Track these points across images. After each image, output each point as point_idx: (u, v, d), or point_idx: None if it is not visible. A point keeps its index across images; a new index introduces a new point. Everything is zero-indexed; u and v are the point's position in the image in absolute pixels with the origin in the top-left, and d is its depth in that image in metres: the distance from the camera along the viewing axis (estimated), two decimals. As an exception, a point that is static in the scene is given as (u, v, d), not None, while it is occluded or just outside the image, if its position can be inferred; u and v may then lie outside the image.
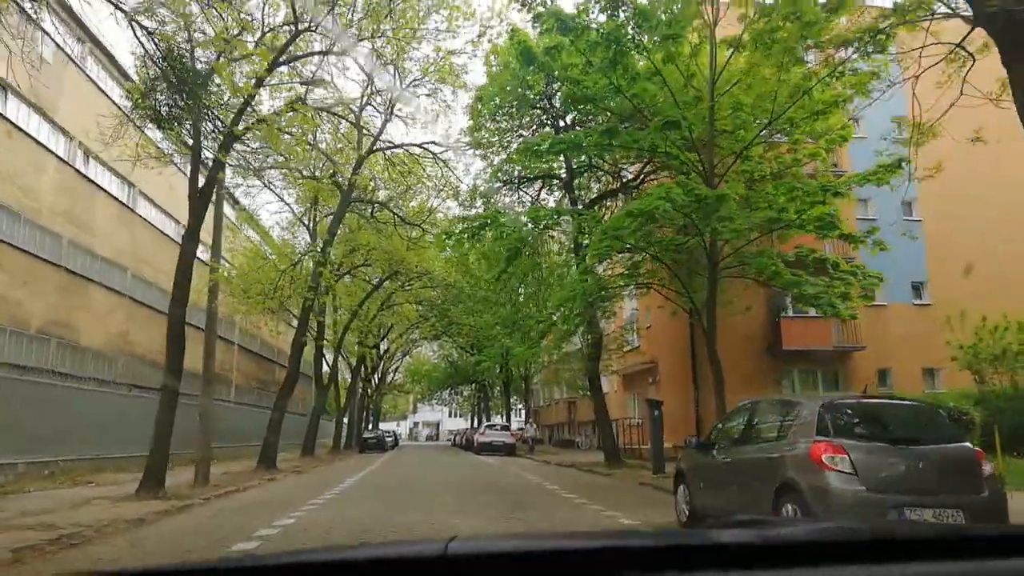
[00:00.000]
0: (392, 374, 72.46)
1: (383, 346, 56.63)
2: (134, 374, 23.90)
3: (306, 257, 22.25)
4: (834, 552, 1.25)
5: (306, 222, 28.44)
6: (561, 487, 15.38)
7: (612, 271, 20.92)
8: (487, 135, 23.17)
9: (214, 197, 13.88)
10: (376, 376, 64.02)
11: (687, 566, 1.18)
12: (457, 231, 18.72)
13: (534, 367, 38.27)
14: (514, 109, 22.18)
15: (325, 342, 29.99)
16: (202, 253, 17.98)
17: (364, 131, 20.79)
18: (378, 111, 20.80)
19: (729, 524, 1.80)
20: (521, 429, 43.08)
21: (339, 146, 20.76)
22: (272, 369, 53.80)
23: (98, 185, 21.75)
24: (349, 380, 45.77)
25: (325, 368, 36.85)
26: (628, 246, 16.59)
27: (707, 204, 13.92)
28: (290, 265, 21.73)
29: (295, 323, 30.25)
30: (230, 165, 18.56)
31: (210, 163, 13.12)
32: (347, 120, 19.40)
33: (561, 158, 21.09)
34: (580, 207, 21.76)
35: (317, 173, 21.49)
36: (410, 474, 19.98)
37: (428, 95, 18.92)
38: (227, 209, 24.10)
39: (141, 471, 12.06)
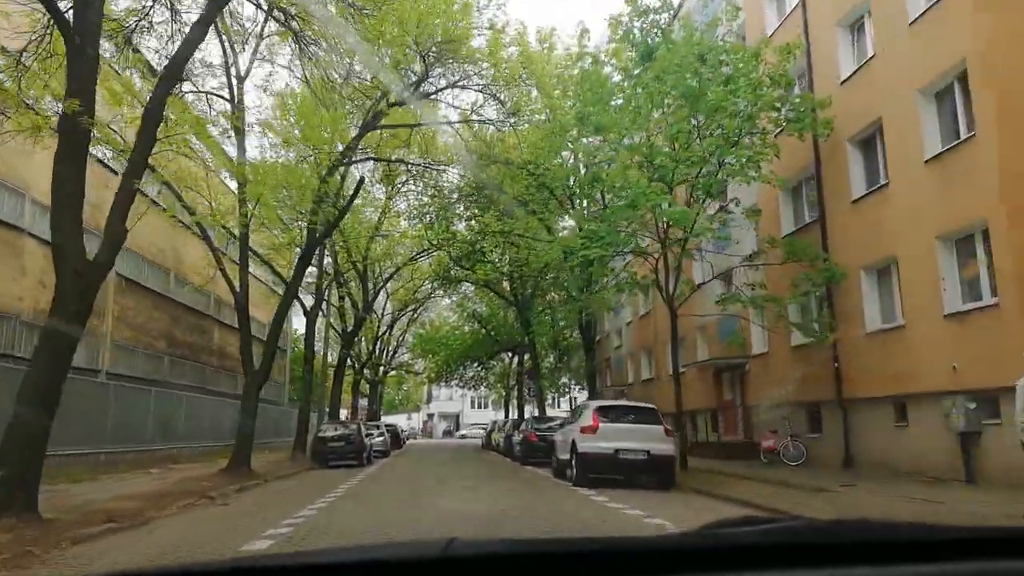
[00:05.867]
0: (396, 347, 51.79)
1: (379, 301, 35.97)
2: None
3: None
4: (835, 552, 1.21)
5: None
6: None
7: None
8: None
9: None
10: (364, 341, 43.33)
11: (688, 568, 1.16)
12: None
13: (682, 280, 16.67)
14: None
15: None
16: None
17: None
18: None
19: (731, 524, 1.42)
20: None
21: None
22: (204, 327, 33.52)
23: None
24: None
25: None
26: None
27: None
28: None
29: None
30: None
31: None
32: None
33: None
34: None
35: None
36: None
37: None
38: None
39: None
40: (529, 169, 24.54)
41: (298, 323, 43.94)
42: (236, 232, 17.52)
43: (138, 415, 22.10)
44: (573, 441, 13.36)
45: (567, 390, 51.94)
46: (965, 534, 1.36)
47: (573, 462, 13.36)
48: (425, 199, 31.77)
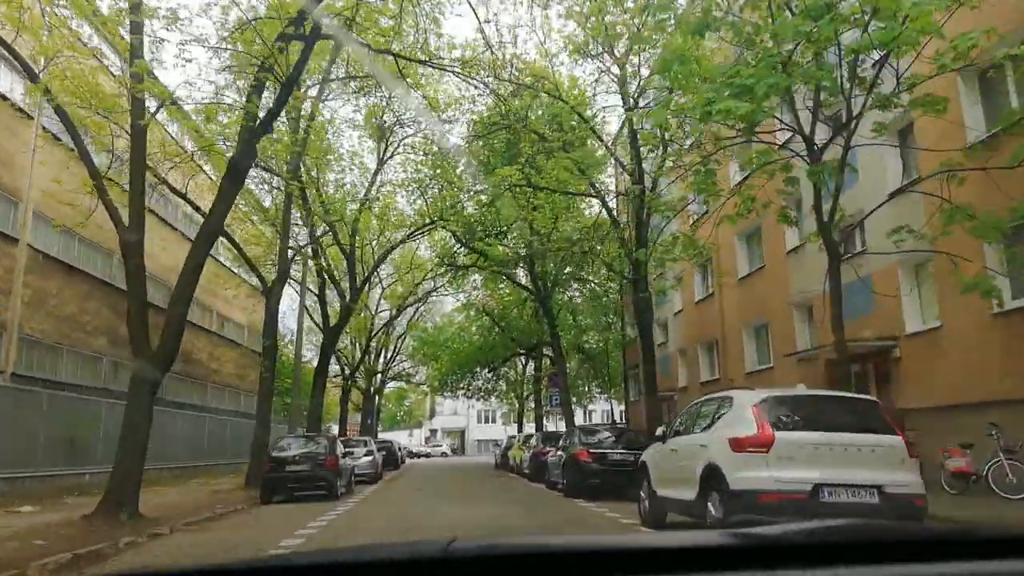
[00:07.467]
0: (395, 352, 45.29)
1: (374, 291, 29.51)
2: None
3: None
4: (835, 552, 1.17)
5: None
6: None
7: None
8: None
9: None
10: (356, 345, 36.87)
11: (687, 567, 1.12)
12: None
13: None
14: None
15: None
16: None
17: None
18: None
19: (732, 526, 1.48)
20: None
21: None
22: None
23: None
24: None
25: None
26: None
27: None
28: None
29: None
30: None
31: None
32: None
33: None
34: None
35: None
36: None
37: None
38: None
39: None
40: (564, 98, 18.26)
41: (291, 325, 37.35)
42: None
43: (21, 430, 15.68)
44: (712, 467, 6.71)
45: (590, 399, 45.29)
46: (967, 535, 1.33)
47: (712, 508, 6.72)
48: (425, 170, 25.60)
